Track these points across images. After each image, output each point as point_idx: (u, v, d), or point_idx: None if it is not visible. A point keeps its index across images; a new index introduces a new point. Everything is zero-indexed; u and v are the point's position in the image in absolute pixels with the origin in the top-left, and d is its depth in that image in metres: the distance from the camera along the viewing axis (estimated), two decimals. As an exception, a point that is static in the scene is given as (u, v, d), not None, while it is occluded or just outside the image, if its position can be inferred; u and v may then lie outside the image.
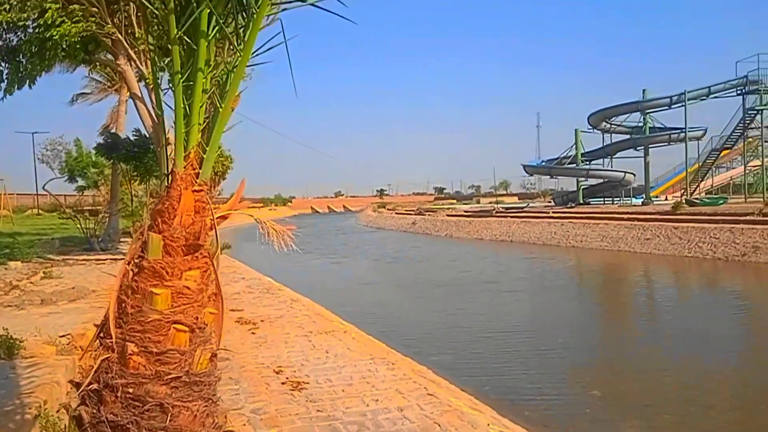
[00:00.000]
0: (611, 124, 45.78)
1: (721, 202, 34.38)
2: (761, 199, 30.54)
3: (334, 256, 30.74)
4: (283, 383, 6.15)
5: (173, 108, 2.65)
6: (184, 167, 2.72)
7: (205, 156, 2.74)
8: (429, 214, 53.53)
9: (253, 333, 8.70)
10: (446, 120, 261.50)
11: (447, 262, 25.89)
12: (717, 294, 16.98)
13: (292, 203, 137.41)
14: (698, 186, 40.24)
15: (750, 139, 38.47)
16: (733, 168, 45.56)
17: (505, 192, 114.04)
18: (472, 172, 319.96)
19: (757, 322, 13.32)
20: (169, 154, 3.39)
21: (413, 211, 61.54)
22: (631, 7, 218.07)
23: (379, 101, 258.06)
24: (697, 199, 35.30)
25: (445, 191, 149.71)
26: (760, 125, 36.52)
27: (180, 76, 2.64)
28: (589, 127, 45.90)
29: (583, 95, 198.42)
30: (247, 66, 2.79)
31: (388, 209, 73.21)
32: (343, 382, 6.26)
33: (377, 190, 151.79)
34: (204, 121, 2.74)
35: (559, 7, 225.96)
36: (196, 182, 2.76)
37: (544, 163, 50.27)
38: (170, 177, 2.74)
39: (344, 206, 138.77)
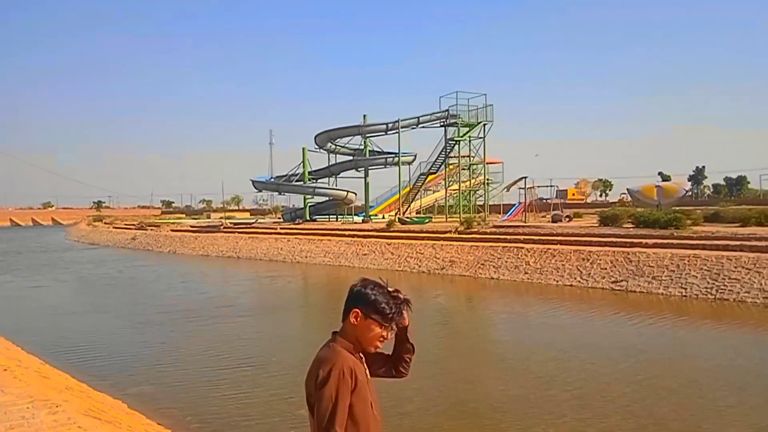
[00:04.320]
0: (336, 145, 48.51)
1: (427, 221, 38.74)
2: (458, 219, 35.20)
3: (38, 277, 26.57)
4: None
5: None
6: None
7: None
8: (152, 229, 49.95)
9: None
10: (176, 133, 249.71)
11: (173, 282, 24.24)
12: (423, 306, 18.85)
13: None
14: (409, 206, 44.80)
15: (451, 166, 44.15)
16: (437, 191, 51.59)
17: (237, 207, 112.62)
18: (203, 185, 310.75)
19: (455, 330, 15.09)
20: None
21: (134, 225, 56.91)
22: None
23: (104, 106, 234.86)
24: (408, 218, 39.15)
25: (173, 205, 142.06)
26: (458, 154, 42.16)
27: None
28: (316, 146, 47.94)
29: (315, 116, 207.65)
30: None
31: (105, 223, 66.37)
32: (-13, 437, 5.09)
33: (94, 202, 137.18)
34: None
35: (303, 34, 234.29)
36: None
37: (273, 180, 50.84)
38: None
39: (53, 219, 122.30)
